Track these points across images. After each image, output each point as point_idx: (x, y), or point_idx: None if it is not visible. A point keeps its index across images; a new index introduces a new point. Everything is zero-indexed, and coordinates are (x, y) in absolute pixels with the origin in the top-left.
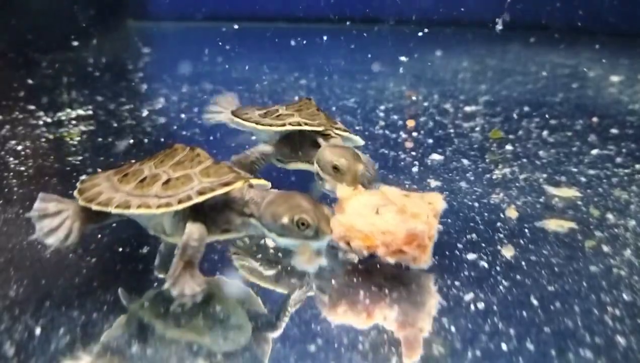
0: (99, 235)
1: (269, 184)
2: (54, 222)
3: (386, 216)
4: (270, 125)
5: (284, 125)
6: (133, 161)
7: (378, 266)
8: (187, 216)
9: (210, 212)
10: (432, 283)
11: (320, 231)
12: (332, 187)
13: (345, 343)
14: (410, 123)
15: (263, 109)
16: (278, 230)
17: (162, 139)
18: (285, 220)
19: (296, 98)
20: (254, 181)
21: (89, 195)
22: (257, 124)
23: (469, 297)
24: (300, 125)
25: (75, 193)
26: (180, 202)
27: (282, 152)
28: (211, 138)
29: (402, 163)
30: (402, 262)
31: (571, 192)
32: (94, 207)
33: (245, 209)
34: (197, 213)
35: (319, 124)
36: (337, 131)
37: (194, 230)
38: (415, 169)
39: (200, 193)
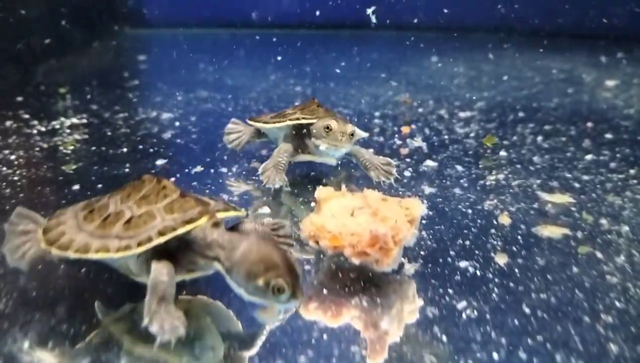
0: None
1: (243, 213)
2: (17, 241)
3: (359, 218)
4: (274, 123)
5: (284, 121)
6: (102, 196)
7: (370, 274)
8: (150, 256)
9: (174, 251)
10: (414, 290)
11: (293, 296)
12: (329, 146)
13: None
14: (405, 129)
15: (274, 113)
16: (249, 289)
17: (157, 148)
18: (260, 282)
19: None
20: (225, 214)
21: (52, 236)
22: (265, 123)
23: (461, 304)
24: (298, 120)
25: (40, 233)
26: (140, 244)
27: (291, 147)
28: (205, 145)
29: (397, 169)
30: (366, 264)
31: (565, 198)
32: (54, 252)
33: (208, 252)
34: (161, 252)
35: (317, 117)
36: None
37: (159, 268)
38: (409, 175)
39: (161, 233)
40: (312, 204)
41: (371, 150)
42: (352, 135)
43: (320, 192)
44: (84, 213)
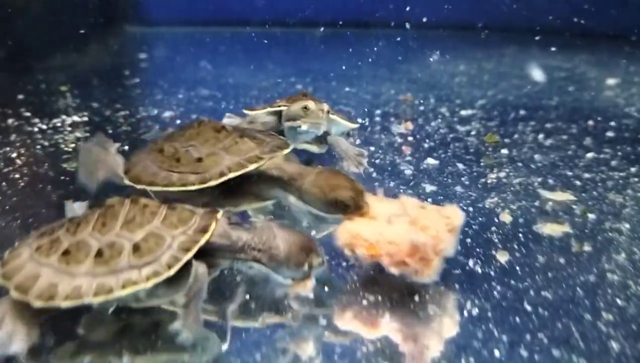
0: None
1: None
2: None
3: (397, 226)
4: (260, 110)
5: (266, 108)
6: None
7: (407, 285)
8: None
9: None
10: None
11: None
12: (311, 125)
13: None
14: (408, 126)
15: (269, 104)
16: (287, 272)
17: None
18: (298, 263)
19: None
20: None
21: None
22: (252, 111)
23: (462, 302)
24: (280, 106)
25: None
26: (149, 278)
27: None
28: None
29: (398, 167)
30: (404, 274)
31: (566, 196)
32: (36, 304)
33: (242, 255)
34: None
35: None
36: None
37: (199, 269)
38: (410, 173)
39: (176, 260)
40: None
41: (351, 139)
42: (328, 112)
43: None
44: (55, 254)
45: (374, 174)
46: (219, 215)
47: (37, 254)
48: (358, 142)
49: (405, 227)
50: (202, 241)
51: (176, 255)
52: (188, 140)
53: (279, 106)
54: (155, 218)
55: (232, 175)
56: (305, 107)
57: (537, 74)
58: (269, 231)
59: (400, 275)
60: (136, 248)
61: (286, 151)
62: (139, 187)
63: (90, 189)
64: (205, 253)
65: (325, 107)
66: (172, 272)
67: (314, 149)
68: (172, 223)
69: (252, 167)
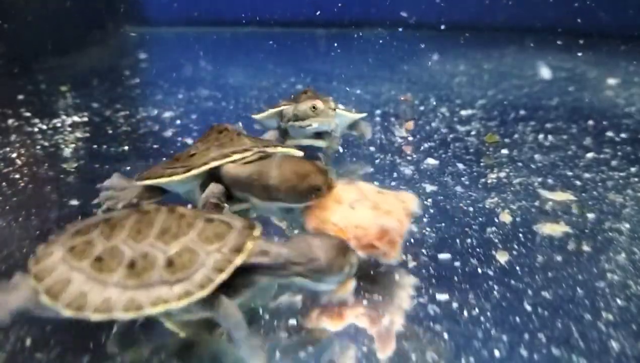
0: None
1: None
2: None
3: (360, 211)
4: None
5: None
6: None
7: (370, 270)
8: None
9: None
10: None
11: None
12: (321, 123)
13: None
14: (408, 126)
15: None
16: (331, 279)
17: (157, 146)
18: (346, 269)
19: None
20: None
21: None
22: (258, 114)
23: (462, 302)
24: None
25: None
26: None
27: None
28: None
29: (398, 167)
30: (372, 257)
31: (566, 196)
32: (65, 313)
33: (282, 272)
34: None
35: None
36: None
37: (228, 307)
38: (410, 173)
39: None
40: None
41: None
42: (335, 109)
43: None
44: (86, 262)
45: (374, 174)
46: (257, 232)
47: (70, 256)
48: (377, 136)
49: (369, 212)
50: (237, 262)
51: (209, 275)
52: (195, 143)
53: (282, 106)
54: (191, 231)
55: (213, 164)
56: (314, 107)
57: (545, 72)
58: (303, 242)
59: (368, 258)
60: (170, 262)
61: (280, 150)
62: (140, 183)
63: None
64: (243, 271)
65: (333, 104)
66: (204, 293)
67: (319, 143)
68: (207, 238)
69: (235, 156)
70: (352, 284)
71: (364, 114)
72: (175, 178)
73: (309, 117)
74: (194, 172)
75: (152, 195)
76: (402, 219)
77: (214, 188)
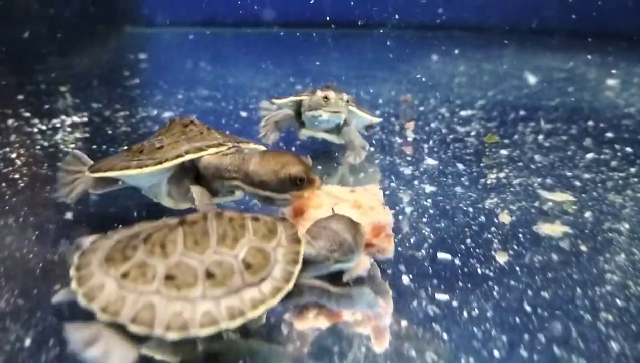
0: None
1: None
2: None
3: (344, 212)
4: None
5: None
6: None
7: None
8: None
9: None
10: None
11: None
12: (331, 115)
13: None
14: (408, 126)
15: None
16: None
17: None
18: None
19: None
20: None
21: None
22: (279, 99)
23: (462, 302)
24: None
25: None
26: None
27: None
28: None
29: (398, 167)
30: (369, 255)
31: (565, 197)
32: (170, 336)
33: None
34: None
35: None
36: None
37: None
38: (410, 174)
39: (256, 304)
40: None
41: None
42: (348, 101)
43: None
44: (117, 271)
45: (374, 175)
46: (292, 225)
47: (130, 282)
48: (377, 137)
49: (353, 211)
50: (302, 251)
51: (287, 268)
52: (156, 137)
53: (302, 96)
54: (246, 232)
55: (188, 157)
56: (326, 97)
57: (530, 78)
58: (325, 229)
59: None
60: (247, 265)
61: (252, 146)
62: (97, 176)
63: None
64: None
65: (345, 96)
66: (290, 286)
67: (333, 139)
68: (264, 235)
69: (211, 151)
70: (368, 261)
71: (380, 119)
72: (146, 170)
73: (320, 107)
74: (167, 164)
75: (105, 186)
76: (386, 212)
77: (200, 191)
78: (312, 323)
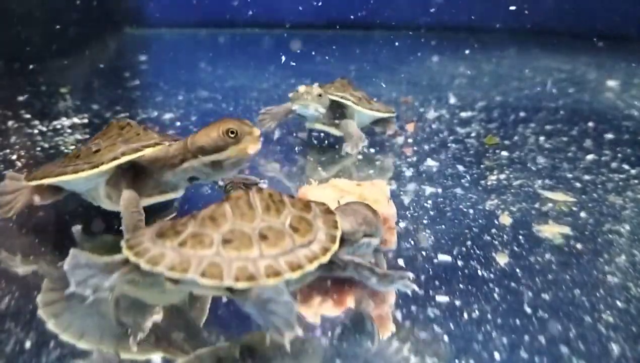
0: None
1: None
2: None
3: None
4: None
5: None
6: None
7: None
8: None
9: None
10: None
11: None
12: (300, 106)
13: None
14: (409, 127)
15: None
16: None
17: None
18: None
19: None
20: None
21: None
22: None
23: (462, 304)
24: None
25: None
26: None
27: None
28: None
29: (398, 169)
30: None
31: (566, 198)
32: (239, 285)
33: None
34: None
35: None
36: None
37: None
38: (410, 175)
39: (311, 259)
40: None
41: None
42: (320, 95)
43: (301, 189)
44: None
45: (374, 175)
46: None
47: (189, 249)
48: (377, 138)
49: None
50: (338, 219)
51: (331, 232)
52: (93, 141)
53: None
54: (285, 206)
55: (125, 158)
56: (297, 90)
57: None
58: (351, 209)
59: None
60: (295, 229)
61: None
62: (35, 183)
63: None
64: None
65: (316, 90)
66: (336, 246)
67: (332, 131)
68: (302, 208)
69: (148, 151)
70: (395, 238)
71: (383, 115)
72: (83, 174)
73: (294, 100)
74: (104, 167)
75: (49, 196)
76: (390, 205)
77: (129, 198)
78: (317, 309)
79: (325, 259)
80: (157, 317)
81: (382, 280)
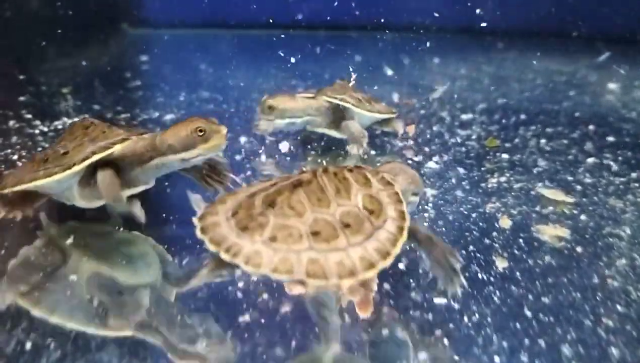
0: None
1: None
2: None
3: None
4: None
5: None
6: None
7: None
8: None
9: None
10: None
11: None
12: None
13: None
14: (409, 130)
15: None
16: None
17: None
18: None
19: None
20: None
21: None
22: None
23: (461, 307)
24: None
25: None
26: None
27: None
28: None
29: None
30: None
31: (566, 201)
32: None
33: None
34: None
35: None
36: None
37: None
38: None
39: (393, 242)
40: None
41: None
42: (270, 107)
43: None
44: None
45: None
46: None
47: (282, 244)
48: (378, 140)
49: None
50: (399, 189)
51: (399, 208)
52: (59, 143)
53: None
54: (352, 184)
55: (96, 157)
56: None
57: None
58: (397, 168)
59: None
60: (369, 211)
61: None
62: (6, 191)
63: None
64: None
65: (268, 102)
66: (409, 222)
67: (333, 133)
68: (364, 183)
69: (117, 147)
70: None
71: (382, 116)
72: (56, 177)
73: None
74: (77, 168)
75: (29, 202)
76: None
77: (107, 179)
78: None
79: (404, 239)
80: (129, 296)
81: (446, 271)
